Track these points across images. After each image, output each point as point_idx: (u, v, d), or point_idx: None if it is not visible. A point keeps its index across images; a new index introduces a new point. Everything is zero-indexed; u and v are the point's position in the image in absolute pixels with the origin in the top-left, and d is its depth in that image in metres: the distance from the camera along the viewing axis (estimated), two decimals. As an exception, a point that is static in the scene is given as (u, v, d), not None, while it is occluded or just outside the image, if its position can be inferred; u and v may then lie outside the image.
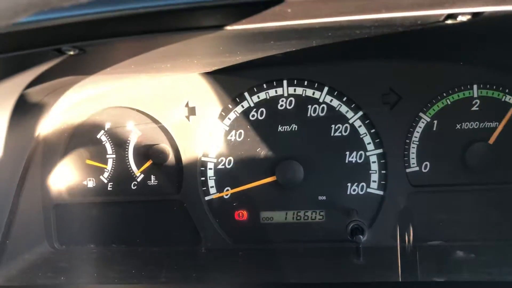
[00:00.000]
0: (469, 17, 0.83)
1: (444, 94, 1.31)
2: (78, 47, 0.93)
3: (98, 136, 1.45)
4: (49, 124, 1.43)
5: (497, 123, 1.30)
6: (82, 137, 1.46)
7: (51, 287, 1.18)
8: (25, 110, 1.27)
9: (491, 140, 1.28)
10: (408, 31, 0.97)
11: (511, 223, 1.28)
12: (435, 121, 1.32)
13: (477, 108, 1.30)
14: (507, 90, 1.29)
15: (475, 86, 1.30)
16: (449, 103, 1.31)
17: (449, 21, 0.86)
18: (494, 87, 1.29)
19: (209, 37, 0.93)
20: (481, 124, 1.30)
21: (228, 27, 0.85)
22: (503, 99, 1.30)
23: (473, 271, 1.13)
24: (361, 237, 1.20)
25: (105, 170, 1.46)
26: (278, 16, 0.80)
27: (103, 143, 1.45)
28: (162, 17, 0.80)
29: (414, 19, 0.85)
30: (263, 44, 1.05)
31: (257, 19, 0.82)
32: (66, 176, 1.47)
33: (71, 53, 0.96)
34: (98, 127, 1.45)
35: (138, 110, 1.42)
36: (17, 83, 1.10)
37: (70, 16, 0.79)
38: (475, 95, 1.30)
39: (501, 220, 1.29)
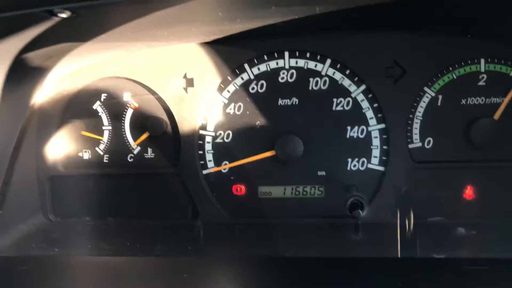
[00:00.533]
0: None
1: (450, 68, 1.27)
2: (70, 9, 0.89)
3: (94, 107, 1.42)
4: (44, 93, 1.40)
5: (504, 98, 1.26)
6: (78, 108, 1.43)
7: (44, 258, 1.16)
8: (20, 77, 1.24)
9: (496, 116, 1.25)
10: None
11: None
12: (440, 96, 1.28)
13: (483, 83, 1.27)
14: (515, 65, 1.25)
15: (482, 60, 1.26)
16: (455, 77, 1.28)
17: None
18: (502, 62, 1.26)
19: (207, 0, 0.89)
20: (487, 99, 1.27)
21: (227, -12, 0.82)
22: (511, 74, 1.26)
23: (474, 248, 1.12)
24: (360, 212, 1.18)
25: (101, 142, 1.43)
26: (279, -24, 0.76)
27: (99, 114, 1.42)
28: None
29: (422, -17, 0.81)
30: (264, 10, 1.01)
31: (258, -21, 0.78)
32: (61, 147, 1.44)
33: (64, 15, 0.92)
34: (94, 97, 1.41)
35: (134, 81, 1.39)
36: (11, 47, 1.06)
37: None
38: (482, 70, 1.27)
39: (504, 197, 1.26)
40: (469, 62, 1.27)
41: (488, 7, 1.05)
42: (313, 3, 0.96)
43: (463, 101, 1.28)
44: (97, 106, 1.42)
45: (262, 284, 1.00)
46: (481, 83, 1.27)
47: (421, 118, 1.30)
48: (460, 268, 0.99)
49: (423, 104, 1.29)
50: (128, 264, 1.11)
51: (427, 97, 1.29)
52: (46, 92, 1.40)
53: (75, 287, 1.00)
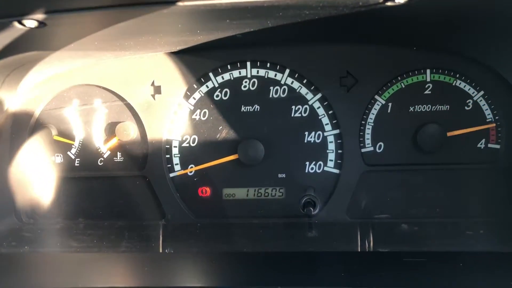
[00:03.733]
0: (405, -1, 0.89)
1: (399, 78, 1.37)
2: (38, 20, 0.96)
3: (66, 113, 1.48)
4: (17, 100, 1.46)
5: (448, 106, 1.36)
6: (50, 114, 1.49)
7: (14, 255, 1.22)
8: (-8, 84, 1.30)
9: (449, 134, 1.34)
10: (357, 13, 1.02)
11: (455, 201, 1.36)
12: (390, 104, 1.38)
13: (429, 92, 1.37)
14: (457, 75, 1.35)
15: (428, 71, 1.36)
16: (403, 86, 1.37)
17: (389, 3, 0.92)
18: (446, 72, 1.36)
19: (165, 13, 0.97)
20: (433, 107, 1.37)
21: (180, 3, 0.90)
22: (454, 84, 1.36)
23: (415, 243, 1.20)
24: (311, 209, 1.26)
25: (73, 146, 1.49)
26: (225, -8, 0.85)
27: (71, 120, 1.48)
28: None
29: (355, 1, 0.90)
30: (220, 23, 1.10)
31: (206, -5, 0.86)
32: (34, 151, 1.50)
33: (32, 26, 0.99)
34: (66, 104, 1.48)
35: (105, 88, 1.45)
36: (-19, 56, 1.13)
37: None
38: (428, 79, 1.37)
39: (446, 198, 1.36)
40: (416, 72, 1.36)
41: (431, 24, 1.15)
42: (263, 17, 1.04)
43: (411, 108, 1.37)
44: (69, 112, 1.48)
45: (221, 276, 1.07)
46: (427, 91, 1.37)
47: (372, 124, 1.39)
48: (401, 260, 1.08)
49: (374, 111, 1.38)
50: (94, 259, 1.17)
51: (378, 104, 1.38)
52: (20, 99, 1.46)
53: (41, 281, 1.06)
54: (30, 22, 0.97)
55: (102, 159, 1.49)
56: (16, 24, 0.97)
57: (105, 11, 0.93)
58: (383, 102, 1.38)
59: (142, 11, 0.95)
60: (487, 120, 1.36)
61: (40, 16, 0.94)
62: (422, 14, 1.02)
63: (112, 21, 1.03)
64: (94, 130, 1.48)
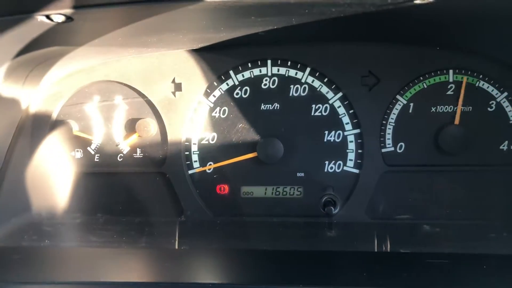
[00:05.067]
0: (435, -3, 0.88)
1: (421, 78, 1.36)
2: (65, 14, 0.97)
3: (86, 109, 1.49)
4: (39, 96, 1.47)
5: (471, 107, 1.35)
6: (71, 109, 1.50)
7: (35, 249, 1.23)
8: (15, 80, 1.31)
9: (456, 121, 1.33)
10: (384, 11, 1.01)
11: (477, 203, 1.34)
12: (411, 104, 1.37)
13: (452, 92, 1.35)
14: (481, 76, 1.34)
15: (451, 71, 1.35)
16: (425, 86, 1.36)
17: (417, 1, 0.91)
18: (469, 72, 1.34)
19: (191, 10, 0.97)
20: (455, 108, 1.35)
21: (207, -1, 0.90)
22: (477, 84, 1.34)
23: (437, 244, 1.19)
24: (332, 208, 1.26)
25: (92, 142, 1.50)
26: (253, -11, 0.85)
27: (91, 115, 1.49)
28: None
29: (383, -2, 0.90)
30: (244, 20, 1.10)
31: (234, -9, 0.86)
32: (54, 147, 1.51)
33: (59, 21, 1.00)
34: (87, 100, 1.49)
35: (125, 85, 1.46)
36: (6, 51, 1.14)
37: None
38: (451, 80, 1.35)
39: (468, 200, 1.35)
40: (438, 72, 1.35)
41: (455, 23, 1.14)
42: (288, 14, 1.04)
43: (433, 109, 1.36)
44: (89, 108, 1.49)
45: (240, 273, 1.07)
46: (449, 92, 1.36)
47: (393, 124, 1.38)
48: (423, 261, 1.07)
49: (395, 111, 1.37)
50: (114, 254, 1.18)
51: (399, 104, 1.37)
52: (41, 94, 1.47)
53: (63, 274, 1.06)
54: (58, 17, 0.97)
55: (122, 155, 1.50)
56: (43, 18, 0.97)
57: (132, 6, 0.93)
58: (405, 102, 1.37)
59: (169, 7, 0.96)
60: (511, 122, 1.34)
61: (68, 10, 0.94)
62: (447, 12, 1.01)
63: (138, 17, 1.03)
64: (114, 126, 1.49)
